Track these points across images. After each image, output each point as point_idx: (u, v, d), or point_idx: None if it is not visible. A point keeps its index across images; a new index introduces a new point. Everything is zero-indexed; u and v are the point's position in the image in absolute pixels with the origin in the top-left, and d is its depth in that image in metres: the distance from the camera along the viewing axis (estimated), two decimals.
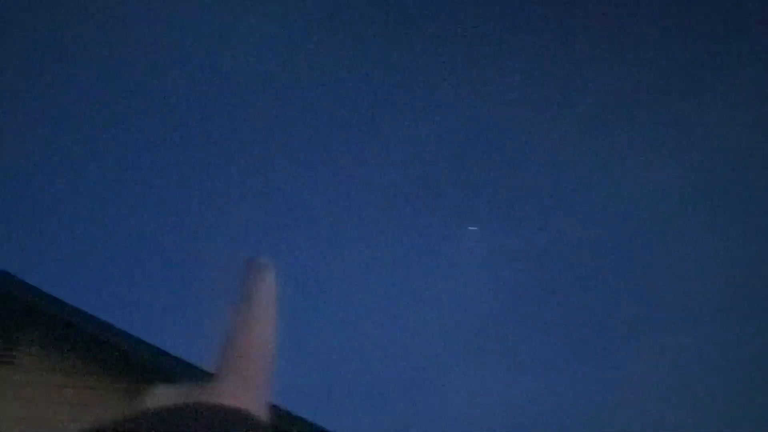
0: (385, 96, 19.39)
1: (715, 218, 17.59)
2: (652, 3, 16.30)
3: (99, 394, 6.17)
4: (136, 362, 6.36)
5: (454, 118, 20.34)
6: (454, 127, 19.65)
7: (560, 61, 16.51)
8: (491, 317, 21.59)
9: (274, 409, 0.37)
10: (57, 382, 6.27)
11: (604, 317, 21.13)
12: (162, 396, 0.30)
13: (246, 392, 0.30)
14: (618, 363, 20.67)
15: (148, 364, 6.33)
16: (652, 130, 17.15)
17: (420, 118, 19.89)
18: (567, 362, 21.99)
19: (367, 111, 18.88)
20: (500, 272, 21.70)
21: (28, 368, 6.34)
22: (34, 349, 6.45)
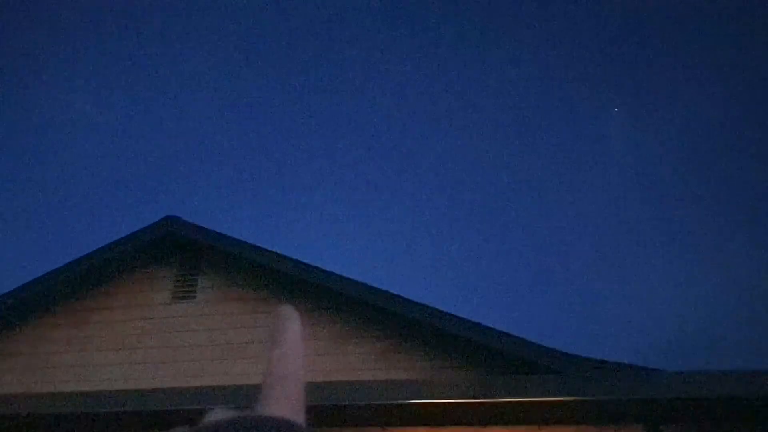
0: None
1: None
2: None
3: (270, 316, 6.39)
4: (301, 285, 6.51)
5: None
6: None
7: None
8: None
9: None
10: (232, 310, 6.60)
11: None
12: (218, 414, 0.36)
13: (286, 406, 0.38)
14: None
15: (310, 287, 6.46)
16: None
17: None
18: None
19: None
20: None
21: (207, 300, 6.74)
22: (209, 283, 6.84)
